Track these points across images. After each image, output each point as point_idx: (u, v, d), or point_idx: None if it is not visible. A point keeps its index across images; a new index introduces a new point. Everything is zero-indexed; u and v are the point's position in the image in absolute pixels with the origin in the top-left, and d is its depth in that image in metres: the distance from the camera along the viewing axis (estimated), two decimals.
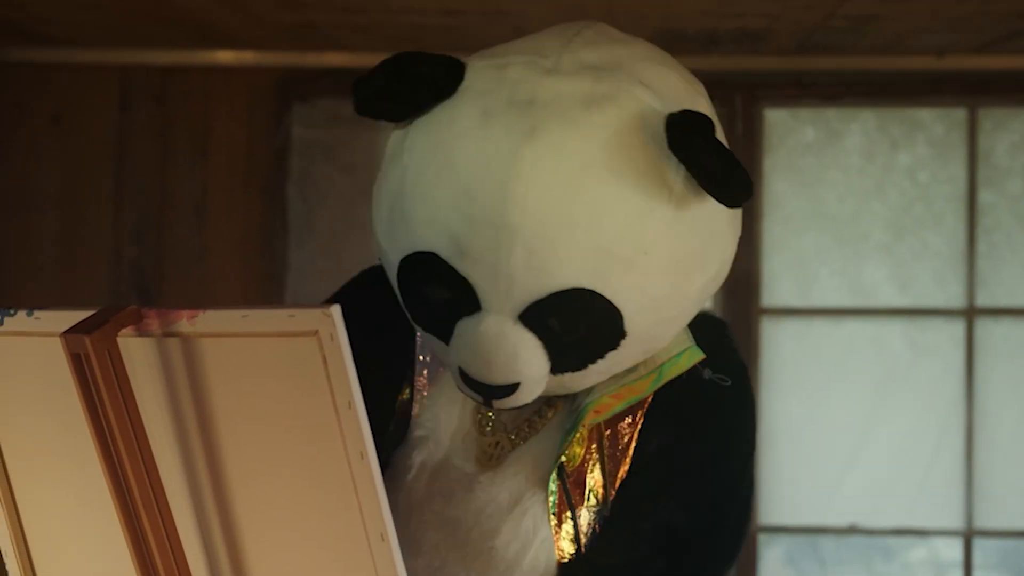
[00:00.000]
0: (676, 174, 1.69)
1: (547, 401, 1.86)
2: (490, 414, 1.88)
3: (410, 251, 1.76)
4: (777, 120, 4.69)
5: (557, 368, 1.76)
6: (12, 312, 1.56)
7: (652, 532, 1.80)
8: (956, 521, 4.70)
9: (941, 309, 4.72)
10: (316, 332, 1.37)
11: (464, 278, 1.72)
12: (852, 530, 4.71)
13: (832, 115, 4.72)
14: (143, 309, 1.47)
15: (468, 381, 1.76)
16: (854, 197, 4.72)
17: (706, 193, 1.68)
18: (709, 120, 1.70)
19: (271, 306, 1.42)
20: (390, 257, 1.79)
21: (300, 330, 1.38)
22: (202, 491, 1.50)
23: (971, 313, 4.70)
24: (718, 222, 1.75)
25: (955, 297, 4.71)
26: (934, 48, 4.49)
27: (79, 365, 1.44)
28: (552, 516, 1.80)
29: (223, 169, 4.67)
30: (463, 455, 1.87)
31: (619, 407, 1.82)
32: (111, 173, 4.69)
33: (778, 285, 4.74)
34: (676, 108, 1.71)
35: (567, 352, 1.75)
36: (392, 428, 1.90)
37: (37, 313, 1.54)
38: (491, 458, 1.86)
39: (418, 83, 1.76)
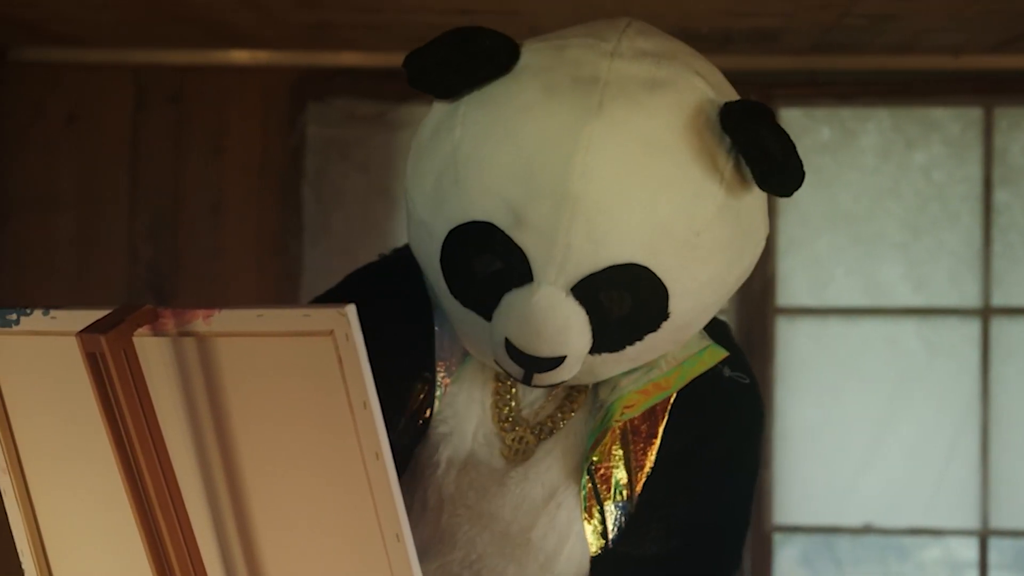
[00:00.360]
0: (727, 161, 1.74)
1: (568, 396, 1.88)
2: (507, 409, 1.88)
3: (462, 221, 1.77)
4: (792, 119, 4.69)
5: (597, 347, 1.78)
6: (28, 311, 1.56)
7: (678, 527, 1.83)
8: (971, 521, 4.69)
9: (956, 308, 4.71)
10: (331, 332, 1.37)
11: (519, 248, 1.74)
12: (867, 530, 4.71)
13: (847, 114, 4.71)
14: (159, 308, 1.47)
15: (513, 354, 1.77)
16: (869, 196, 4.71)
17: (754, 181, 1.73)
18: (768, 108, 1.75)
19: (286, 306, 1.42)
20: (434, 229, 1.80)
21: (315, 330, 1.38)
22: (217, 490, 1.51)
23: (987, 312, 4.69)
24: (757, 214, 1.81)
25: (970, 297, 4.70)
26: (950, 47, 4.48)
27: (95, 364, 1.45)
28: (584, 511, 1.83)
29: (238, 168, 4.68)
30: (487, 450, 1.88)
31: (647, 403, 1.84)
32: (126, 173, 4.69)
33: (793, 284, 4.73)
34: (728, 99, 1.77)
35: (611, 330, 1.77)
36: (410, 424, 1.90)
37: (53, 312, 1.54)
38: (516, 453, 1.87)
39: (479, 56, 1.79)
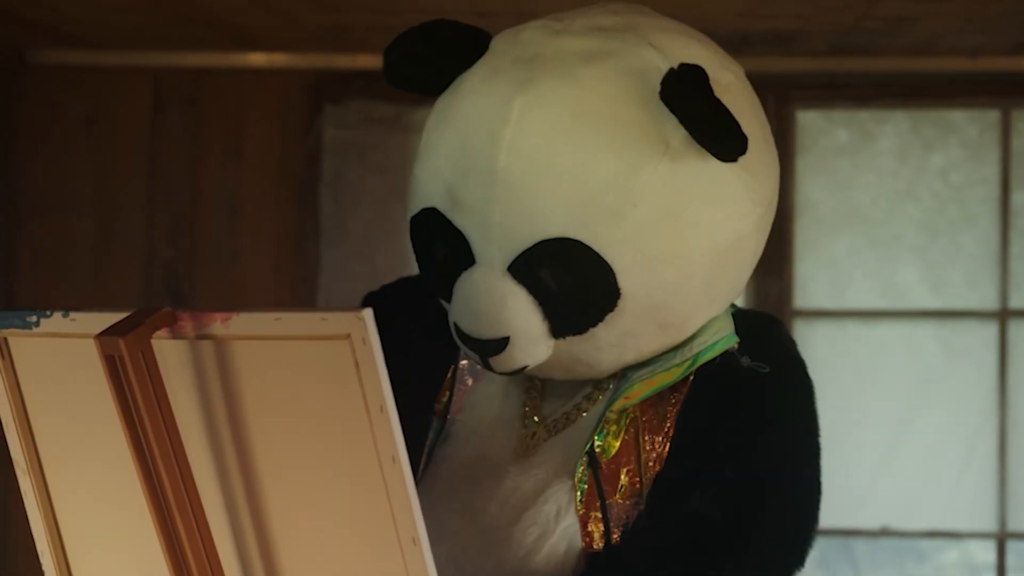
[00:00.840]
0: (676, 130, 1.67)
1: (588, 395, 1.85)
2: (531, 407, 1.88)
3: (416, 210, 1.80)
4: (810, 122, 4.68)
5: (557, 330, 1.75)
6: (48, 313, 1.57)
7: (681, 522, 1.76)
8: (989, 523, 4.69)
9: (974, 311, 4.70)
10: (348, 336, 1.37)
11: (459, 231, 1.74)
12: (885, 532, 4.70)
13: (865, 116, 4.71)
14: (177, 311, 1.48)
15: (463, 338, 1.77)
16: (887, 199, 4.71)
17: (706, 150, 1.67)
18: (703, 72, 1.68)
19: (304, 309, 1.42)
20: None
21: (332, 333, 1.39)
22: (235, 493, 1.51)
23: (1004, 315, 4.68)
24: (729, 187, 1.73)
25: (988, 299, 4.70)
26: (967, 49, 4.47)
27: (113, 367, 1.45)
28: (580, 505, 1.78)
29: (256, 171, 4.68)
30: (502, 446, 1.87)
31: (648, 392, 1.78)
32: (144, 175, 4.70)
33: (811, 287, 4.73)
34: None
35: (563, 310, 1.73)
36: (437, 423, 1.90)
37: (72, 314, 1.55)
38: (527, 448, 1.85)
39: (442, 48, 1.80)
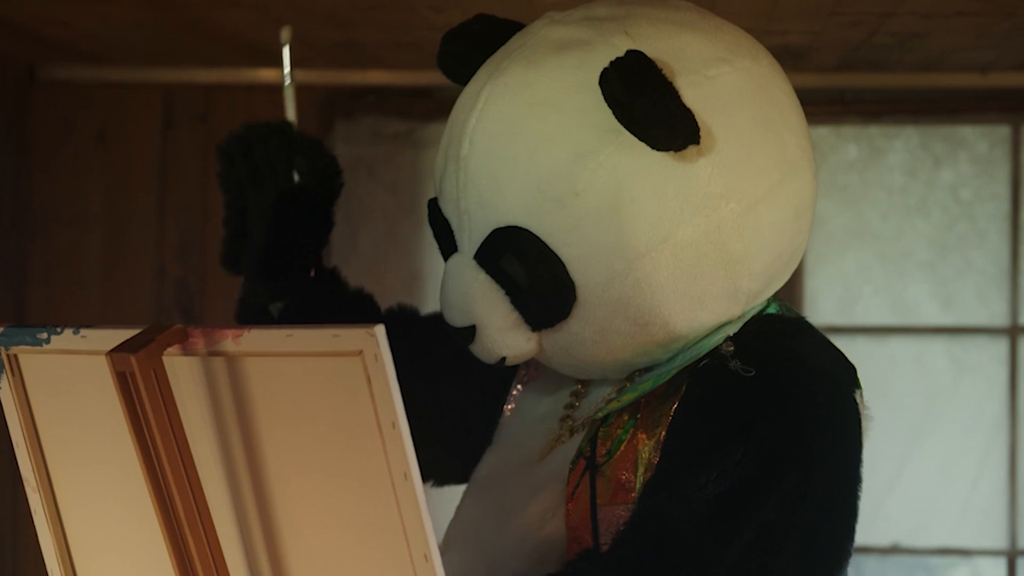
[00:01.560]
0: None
1: (608, 398, 1.83)
2: (571, 411, 1.87)
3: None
4: (819, 137, 4.68)
5: (531, 322, 1.74)
6: (59, 330, 1.57)
7: (642, 523, 1.68)
8: (1000, 541, 4.68)
9: (984, 327, 4.69)
10: (360, 352, 1.37)
11: (445, 219, 1.78)
12: (895, 549, 4.69)
13: (875, 132, 4.70)
14: (188, 328, 1.48)
15: (445, 326, 1.80)
16: (897, 215, 4.71)
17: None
18: (642, 59, 1.64)
19: (316, 326, 1.42)
20: None
21: (344, 350, 1.39)
22: (246, 510, 1.51)
23: (1015, 331, 4.68)
24: (685, 180, 1.67)
25: (999, 315, 4.69)
26: (977, 65, 4.47)
27: (125, 384, 1.45)
28: (571, 504, 1.76)
29: None
30: (533, 447, 1.87)
31: (632, 396, 1.76)
32: (155, 191, 4.70)
33: (821, 303, 4.72)
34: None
35: (526, 301, 1.73)
36: (489, 429, 1.93)
37: (83, 331, 1.55)
38: (549, 450, 1.85)
39: (472, 41, 1.83)
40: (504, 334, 1.75)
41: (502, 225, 1.70)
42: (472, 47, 1.83)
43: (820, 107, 4.62)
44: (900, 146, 4.71)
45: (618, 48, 1.68)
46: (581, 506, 1.76)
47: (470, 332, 1.76)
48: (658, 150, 1.65)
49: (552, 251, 1.69)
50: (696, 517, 1.67)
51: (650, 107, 1.62)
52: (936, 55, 4.24)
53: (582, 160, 1.66)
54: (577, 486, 1.77)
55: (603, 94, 1.65)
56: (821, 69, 4.48)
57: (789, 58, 4.22)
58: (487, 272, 1.73)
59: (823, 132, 4.70)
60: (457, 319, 1.76)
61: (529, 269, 1.70)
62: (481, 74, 1.77)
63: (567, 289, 1.70)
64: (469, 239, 1.74)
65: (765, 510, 1.69)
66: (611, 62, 1.65)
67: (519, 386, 1.94)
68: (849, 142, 4.72)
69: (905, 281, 4.71)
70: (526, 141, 1.68)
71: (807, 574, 1.75)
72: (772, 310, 1.82)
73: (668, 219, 1.68)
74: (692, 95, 1.66)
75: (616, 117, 1.65)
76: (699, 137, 1.65)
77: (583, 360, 1.79)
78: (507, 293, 1.74)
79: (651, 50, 1.68)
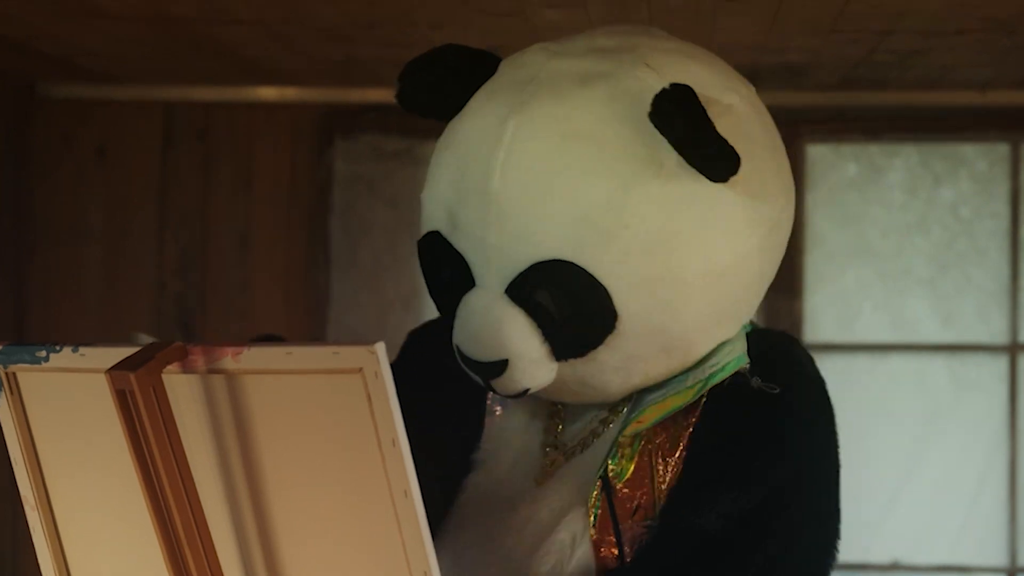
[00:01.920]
0: (669, 151, 1.67)
1: (603, 420, 1.85)
2: (552, 435, 1.87)
3: (422, 233, 1.81)
4: (819, 155, 4.68)
5: (559, 353, 1.74)
6: (58, 348, 1.57)
7: (686, 540, 1.74)
8: (1000, 558, 4.67)
9: (984, 345, 4.69)
10: (360, 369, 1.37)
11: (459, 253, 1.75)
12: (895, 567, 4.69)
13: (874, 150, 4.71)
14: (188, 346, 1.48)
15: (464, 360, 1.77)
16: (897, 232, 4.71)
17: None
18: (692, 92, 1.68)
19: (316, 343, 1.42)
20: None
21: (345, 367, 1.39)
22: (245, 527, 1.51)
23: (1014, 349, 4.68)
24: (724, 208, 1.72)
25: (998, 333, 4.69)
26: (977, 83, 4.47)
27: (124, 402, 1.45)
28: (594, 530, 1.77)
29: (266, 203, 4.69)
30: (524, 474, 1.87)
31: (660, 416, 1.78)
32: (155, 207, 4.71)
33: (821, 320, 4.72)
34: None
35: (562, 333, 1.73)
36: (461, 457, 1.91)
37: (83, 349, 1.55)
38: (546, 476, 1.85)
39: (448, 72, 1.82)
40: (534, 366, 1.75)
41: (543, 259, 1.70)
42: (448, 77, 1.82)
43: (820, 124, 4.63)
44: (900, 164, 4.72)
45: (644, 80, 1.71)
46: (604, 525, 1.78)
47: (499, 366, 1.75)
48: (714, 181, 1.68)
49: (599, 282, 1.69)
50: (731, 531, 1.73)
51: (708, 140, 1.65)
52: (936, 73, 4.25)
53: (629, 192, 1.68)
54: (598, 506, 1.78)
55: (658, 127, 1.67)
56: (821, 87, 4.48)
57: (789, 76, 4.23)
58: (521, 306, 1.73)
59: (823, 150, 4.70)
60: (486, 354, 1.74)
61: (571, 301, 1.71)
62: (493, 107, 1.75)
63: (612, 319, 1.71)
64: (497, 273, 1.73)
65: (796, 519, 1.77)
66: (662, 96, 1.67)
67: (491, 418, 1.93)
68: (849, 160, 4.72)
69: (905, 298, 4.71)
70: (567, 175, 1.68)
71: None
72: (750, 325, 1.88)
73: (710, 247, 1.71)
74: (720, 125, 1.68)
75: (677, 150, 1.66)
76: (739, 167, 1.67)
77: (595, 387, 1.79)
78: (539, 325, 1.73)
79: (677, 81, 1.70)
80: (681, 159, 1.67)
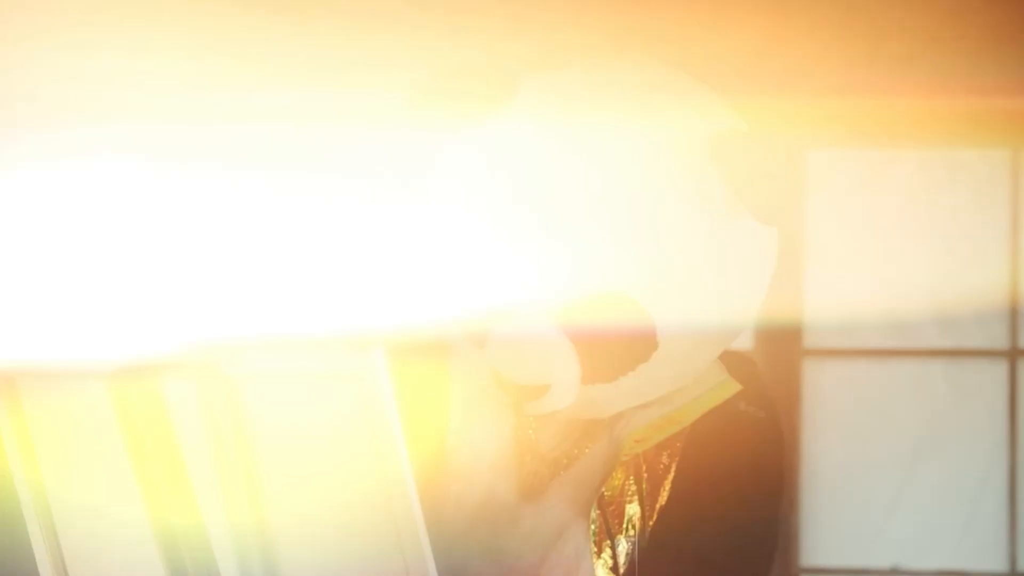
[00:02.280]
0: (718, 189, 1.70)
1: (586, 432, 1.86)
2: (525, 444, 1.87)
3: None
4: (818, 161, 4.68)
5: (588, 376, 1.76)
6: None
7: (686, 561, 1.78)
8: (1000, 563, 4.67)
9: (984, 350, 4.69)
10: (359, 375, 1.37)
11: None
12: (895, 572, 4.69)
13: (873, 156, 4.71)
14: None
15: (500, 382, 1.78)
16: (896, 238, 4.71)
17: (747, 210, 1.71)
18: (747, 134, 1.73)
19: (313, 348, 1.42)
20: None
21: (342, 372, 1.39)
22: (244, 530, 1.51)
23: (1014, 354, 4.68)
24: (755, 243, 1.76)
25: (998, 338, 4.69)
26: (978, 88, 4.47)
27: (122, 407, 1.45)
28: (593, 545, 1.79)
29: None
30: (504, 486, 1.87)
31: (659, 437, 1.81)
32: None
33: (820, 326, 4.72)
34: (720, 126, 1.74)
35: (600, 360, 1.75)
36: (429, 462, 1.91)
37: (83, 350, 1.55)
38: (531, 488, 1.86)
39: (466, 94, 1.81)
40: (570, 390, 1.76)
41: (595, 289, 1.71)
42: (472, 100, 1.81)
43: (818, 130, 4.62)
44: (900, 170, 4.72)
45: (690, 119, 1.73)
46: (600, 538, 1.80)
47: (541, 391, 1.76)
48: (765, 224, 1.73)
49: (648, 314, 1.72)
50: (735, 554, 1.79)
51: (766, 184, 1.70)
52: (936, 78, 4.25)
53: (682, 228, 1.70)
54: (596, 520, 1.80)
55: (719, 169, 1.69)
56: (818, 92, 4.48)
57: (787, 80, 4.23)
58: (567, 332, 1.73)
59: (821, 156, 4.69)
60: (529, 378, 1.76)
61: (619, 332, 1.72)
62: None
63: (651, 350, 1.74)
64: (544, 298, 1.73)
65: (776, 537, 1.84)
66: (725, 138, 1.70)
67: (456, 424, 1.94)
68: (848, 165, 4.72)
69: (904, 304, 4.71)
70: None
71: None
72: None
73: (748, 284, 1.76)
74: None
75: (738, 193, 1.70)
76: None
77: (599, 406, 1.81)
78: (580, 351, 1.74)
79: (722, 119, 1.74)
80: (730, 197, 1.70)
